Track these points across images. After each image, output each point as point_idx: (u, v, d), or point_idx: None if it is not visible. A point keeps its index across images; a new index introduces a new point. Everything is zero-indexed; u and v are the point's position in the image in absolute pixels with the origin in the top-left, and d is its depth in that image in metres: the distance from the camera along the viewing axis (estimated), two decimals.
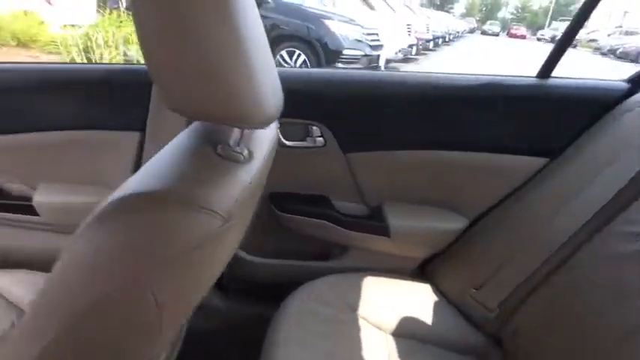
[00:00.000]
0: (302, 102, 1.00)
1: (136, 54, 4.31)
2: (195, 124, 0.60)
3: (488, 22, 38.93)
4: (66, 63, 1.40)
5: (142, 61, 0.49)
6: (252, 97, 0.46)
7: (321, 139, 1.04)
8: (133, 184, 0.44)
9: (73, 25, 6.22)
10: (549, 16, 40.97)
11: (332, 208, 1.11)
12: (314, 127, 1.03)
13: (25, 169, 1.14)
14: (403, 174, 1.07)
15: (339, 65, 5.38)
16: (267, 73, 0.50)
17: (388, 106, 1.03)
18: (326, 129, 1.03)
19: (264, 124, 0.50)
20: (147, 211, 0.42)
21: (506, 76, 1.04)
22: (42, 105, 1.07)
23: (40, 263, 1.12)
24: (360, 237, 1.09)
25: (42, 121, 1.07)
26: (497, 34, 32.17)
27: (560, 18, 35.25)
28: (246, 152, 0.55)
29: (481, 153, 1.01)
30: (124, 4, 4.58)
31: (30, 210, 1.12)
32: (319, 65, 5.24)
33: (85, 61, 4.03)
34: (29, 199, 1.12)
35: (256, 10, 0.51)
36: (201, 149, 0.53)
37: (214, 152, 0.53)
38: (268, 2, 5.36)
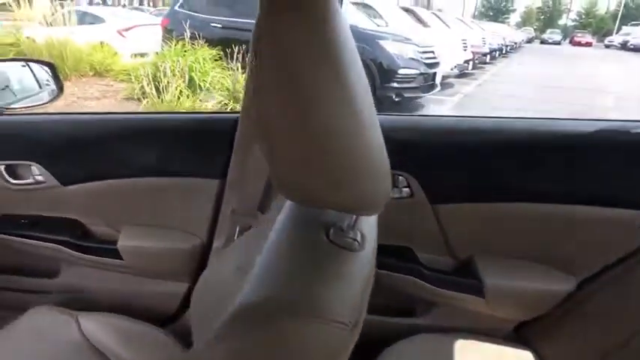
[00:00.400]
0: (388, 151, 0.95)
1: (198, 79, 4.53)
2: None
3: (548, 30, 37.00)
4: (152, 112, 1.48)
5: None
6: (370, 182, 0.43)
7: (407, 189, 0.98)
8: (249, 292, 0.41)
9: (142, 55, 6.71)
10: (618, 21, 38.21)
11: (417, 261, 1.04)
12: (400, 177, 0.98)
13: (111, 213, 1.18)
14: (498, 227, 0.98)
15: (394, 85, 5.30)
16: (380, 148, 0.46)
17: (482, 154, 0.95)
18: (413, 179, 0.97)
19: (380, 208, 0.46)
20: (266, 327, 0.39)
21: (624, 120, 0.92)
22: (129, 152, 1.11)
23: (123, 306, 1.15)
24: (449, 295, 1.01)
25: (128, 168, 1.11)
26: (558, 43, 30.47)
27: (632, 22, 32.66)
28: (359, 237, 0.51)
29: (593, 207, 0.90)
30: (188, 35, 4.84)
31: (114, 253, 1.15)
32: (373, 86, 5.19)
33: (154, 88, 4.28)
34: (114, 242, 1.16)
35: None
36: (312, 237, 0.49)
37: (326, 238, 0.49)
38: None
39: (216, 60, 4.89)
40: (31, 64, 1.56)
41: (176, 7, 6.06)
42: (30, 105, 1.41)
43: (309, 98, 0.38)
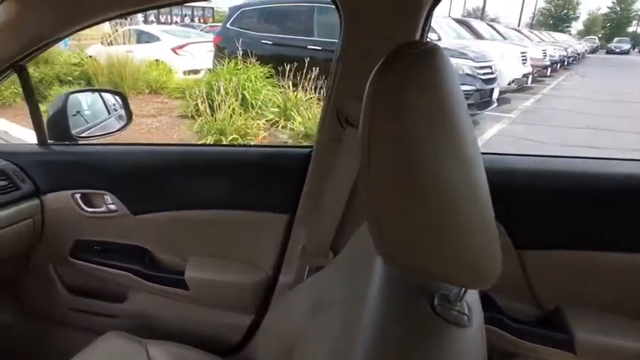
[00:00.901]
0: None
1: (250, 97, 4.67)
2: None
3: (615, 39, 34.80)
4: (224, 145, 1.55)
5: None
6: (487, 255, 0.40)
7: None
8: None
9: (195, 72, 7.05)
10: None
11: (497, 309, 0.98)
12: None
13: (178, 243, 1.22)
14: (590, 277, 0.91)
15: None
16: (492, 215, 0.44)
17: (571, 198, 0.89)
18: (497, 223, 0.92)
19: (491, 282, 0.43)
20: None
21: None
22: (198, 184, 1.14)
23: (187, 334, 1.17)
24: (533, 347, 0.94)
25: (197, 200, 1.14)
26: (626, 52, 28.64)
27: None
28: (466, 309, 0.48)
29: None
30: (241, 53, 5.02)
31: (181, 283, 1.18)
32: None
33: (208, 107, 4.45)
34: (180, 272, 1.19)
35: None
36: (416, 306, 0.46)
37: (431, 309, 0.46)
38: None
39: (267, 77, 5.03)
40: (102, 93, 1.67)
41: (228, 25, 6.34)
42: (101, 133, 1.50)
43: (424, 169, 0.37)
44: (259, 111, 4.64)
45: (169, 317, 1.28)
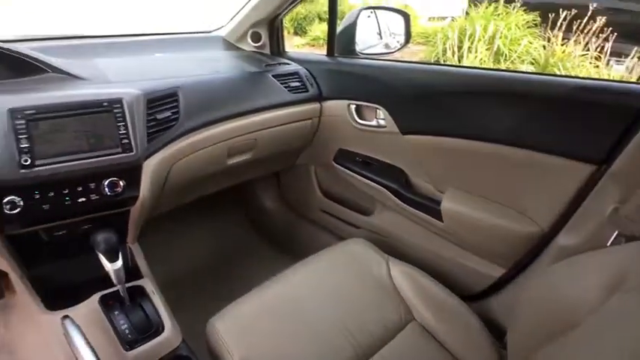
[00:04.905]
0: None
1: (505, 47, 4.19)
2: None
3: None
4: (524, 72, 1.42)
5: None
6: None
7: None
8: None
9: (442, 19, 6.80)
10: None
11: None
12: None
13: (440, 171, 1.18)
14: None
15: None
16: None
17: None
18: None
19: None
20: None
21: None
22: (482, 112, 1.05)
23: (426, 265, 1.16)
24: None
25: (475, 130, 1.06)
26: None
27: None
28: None
29: None
30: None
31: (436, 213, 1.16)
32: None
33: (456, 55, 4.21)
34: (435, 201, 1.17)
35: None
36: None
37: None
38: None
39: (529, 27, 4.41)
40: (382, 12, 1.71)
41: None
42: (380, 52, 1.57)
43: None
44: (511, 64, 4.13)
45: (413, 243, 1.29)
